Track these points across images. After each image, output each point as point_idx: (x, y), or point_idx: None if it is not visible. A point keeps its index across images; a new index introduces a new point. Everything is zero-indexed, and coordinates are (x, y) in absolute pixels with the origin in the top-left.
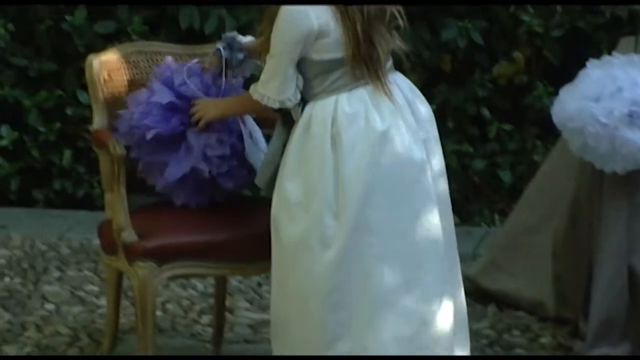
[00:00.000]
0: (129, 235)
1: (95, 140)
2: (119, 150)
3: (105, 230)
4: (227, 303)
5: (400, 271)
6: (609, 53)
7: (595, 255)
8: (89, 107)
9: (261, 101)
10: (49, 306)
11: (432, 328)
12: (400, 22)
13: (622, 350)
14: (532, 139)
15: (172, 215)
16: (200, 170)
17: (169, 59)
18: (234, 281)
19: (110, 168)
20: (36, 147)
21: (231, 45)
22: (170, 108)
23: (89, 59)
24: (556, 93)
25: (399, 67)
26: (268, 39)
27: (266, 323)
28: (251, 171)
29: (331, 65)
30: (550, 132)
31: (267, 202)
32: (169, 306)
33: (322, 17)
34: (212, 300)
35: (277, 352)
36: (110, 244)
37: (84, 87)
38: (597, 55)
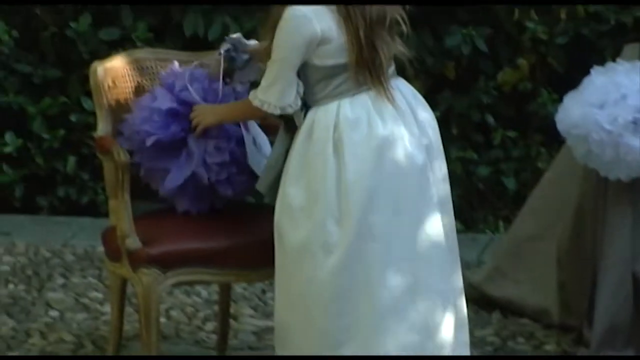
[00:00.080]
0: (133, 242)
1: (100, 147)
2: (123, 157)
3: (109, 237)
4: (232, 310)
5: (402, 277)
6: (613, 60)
7: (600, 263)
8: (93, 113)
9: (261, 107)
10: (53, 313)
11: (436, 335)
12: (404, 27)
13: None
14: (537, 146)
15: (176, 222)
16: (200, 177)
17: (176, 64)
18: (238, 288)
19: (115, 175)
20: (40, 154)
21: (235, 47)
22: (171, 114)
23: (94, 66)
24: (560, 100)
25: (402, 73)
26: (271, 44)
27: (270, 330)
28: (251, 178)
29: (334, 71)
30: (554, 139)
31: (271, 209)
32: (173, 313)
33: (325, 22)
34: (216, 307)
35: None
36: (114, 251)
37: (89, 94)
38: (602, 62)
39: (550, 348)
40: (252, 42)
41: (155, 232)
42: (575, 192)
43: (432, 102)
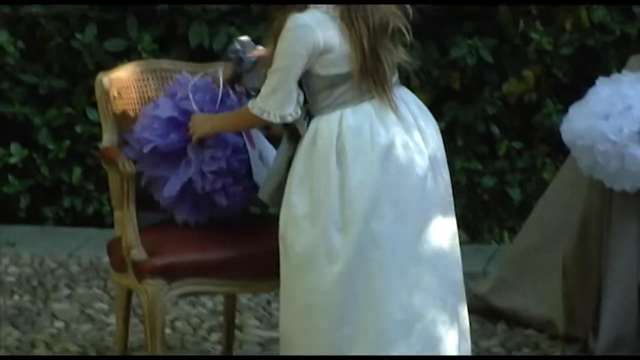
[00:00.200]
0: (139, 253)
1: (105, 157)
2: (128, 167)
3: (114, 248)
4: (237, 321)
5: (405, 284)
6: (619, 71)
7: (605, 274)
8: (98, 124)
9: (260, 116)
10: (58, 324)
11: (439, 345)
12: (407, 37)
13: None
14: (542, 156)
15: (181, 233)
16: (195, 185)
17: (184, 74)
18: (243, 299)
19: (120, 185)
20: (46, 165)
21: (244, 49)
22: (172, 122)
23: (99, 77)
24: (566, 111)
25: (408, 84)
26: (273, 52)
27: (276, 341)
28: (248, 190)
29: (337, 80)
30: (559, 150)
31: (276, 220)
32: (178, 324)
33: (327, 32)
34: (221, 318)
35: None
36: (119, 262)
37: (94, 105)
38: (607, 73)
39: None
40: (260, 47)
41: (161, 243)
42: (581, 203)
43: (438, 113)
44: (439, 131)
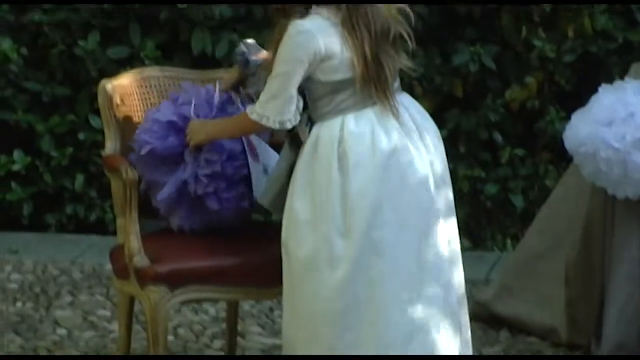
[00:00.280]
0: (142, 260)
1: (108, 165)
2: (131, 175)
3: (117, 255)
4: (240, 328)
5: (407, 291)
6: (622, 78)
7: (608, 281)
8: (101, 132)
9: (259, 121)
10: (61, 331)
11: (442, 352)
12: (410, 43)
13: None
14: (545, 164)
15: (184, 240)
16: (189, 189)
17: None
18: (246, 306)
19: (123, 193)
20: (49, 172)
21: (250, 51)
22: (172, 126)
23: (102, 84)
24: (568, 118)
25: (411, 92)
26: (274, 58)
27: (278, 348)
28: (240, 198)
29: (338, 86)
30: (562, 157)
31: (279, 227)
32: (181, 331)
33: (329, 39)
34: (224, 325)
35: None
36: (122, 269)
37: (97, 112)
38: (610, 80)
39: None
40: (264, 52)
41: (164, 250)
42: (584, 210)
43: (440, 120)
44: (440, 137)
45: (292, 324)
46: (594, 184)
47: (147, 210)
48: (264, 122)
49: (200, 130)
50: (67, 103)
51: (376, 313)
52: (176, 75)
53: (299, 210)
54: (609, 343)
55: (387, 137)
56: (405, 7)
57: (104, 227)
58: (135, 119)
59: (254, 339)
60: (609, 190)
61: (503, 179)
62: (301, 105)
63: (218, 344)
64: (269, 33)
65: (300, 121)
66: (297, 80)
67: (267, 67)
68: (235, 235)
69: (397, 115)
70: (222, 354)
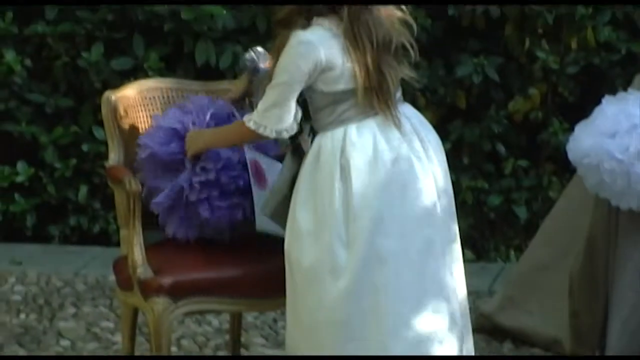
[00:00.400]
0: (145, 271)
1: (111, 176)
2: (134, 186)
3: (121, 266)
4: (243, 339)
5: (409, 301)
6: (624, 89)
7: (612, 292)
8: (104, 143)
9: (256, 130)
10: (64, 342)
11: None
12: (412, 53)
13: None
14: (548, 175)
15: (188, 251)
16: (184, 195)
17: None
18: (249, 317)
19: (126, 204)
20: (52, 183)
21: (259, 58)
22: (174, 133)
23: (106, 95)
24: (571, 129)
25: (414, 103)
26: (274, 68)
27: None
28: (232, 209)
29: (340, 97)
30: (565, 169)
31: (282, 238)
32: (184, 342)
33: (330, 49)
34: (227, 337)
35: None
36: (125, 280)
37: (100, 123)
38: (613, 91)
39: None
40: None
41: (167, 262)
42: (587, 222)
43: (444, 131)
44: (442, 148)
45: (294, 334)
46: (597, 195)
47: (150, 221)
48: (261, 130)
49: (197, 138)
50: (70, 114)
51: (380, 323)
52: (179, 86)
53: (301, 220)
54: (613, 354)
55: (389, 147)
56: (408, 18)
57: (107, 238)
58: (139, 130)
59: (257, 350)
60: (613, 201)
61: (506, 190)
62: (299, 115)
63: (221, 355)
64: (272, 44)
65: (303, 131)
66: (296, 90)
67: (268, 76)
68: (238, 246)
69: (398, 125)
70: None
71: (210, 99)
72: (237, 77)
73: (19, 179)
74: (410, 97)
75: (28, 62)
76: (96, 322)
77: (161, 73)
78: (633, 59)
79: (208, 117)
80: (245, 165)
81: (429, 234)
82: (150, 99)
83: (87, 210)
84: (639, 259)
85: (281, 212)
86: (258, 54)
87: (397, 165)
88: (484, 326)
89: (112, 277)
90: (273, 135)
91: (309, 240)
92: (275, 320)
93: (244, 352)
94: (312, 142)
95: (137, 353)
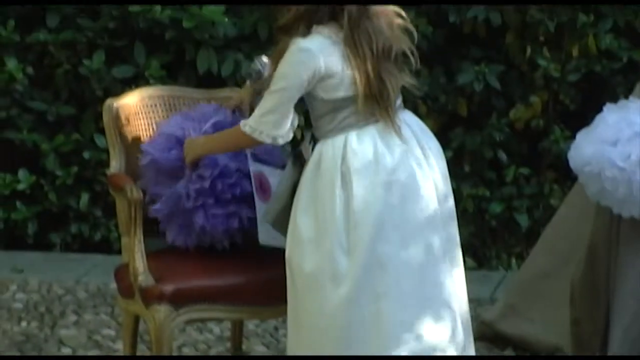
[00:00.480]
0: (146, 279)
1: (112, 184)
2: (136, 194)
3: (122, 274)
4: (244, 347)
5: (411, 308)
6: (626, 97)
7: (613, 300)
8: (106, 151)
9: (251, 134)
10: (66, 350)
11: None
12: (412, 60)
13: None
14: (549, 183)
15: (189, 259)
16: (181, 203)
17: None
18: (250, 325)
19: (128, 212)
20: (53, 191)
21: (264, 68)
22: (175, 140)
23: (107, 103)
24: (573, 137)
25: (415, 111)
26: (273, 74)
27: None
28: (227, 218)
29: (340, 104)
30: (567, 176)
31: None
32: (186, 350)
33: (329, 57)
34: (228, 344)
35: None
36: (127, 288)
37: (101, 131)
38: (614, 99)
39: None
40: None
41: (168, 269)
42: (588, 230)
43: (445, 139)
44: (443, 154)
45: (296, 340)
46: (599, 203)
47: (151, 229)
48: (256, 135)
49: (194, 145)
50: (71, 122)
51: (380, 330)
52: (181, 94)
53: (302, 227)
54: None
55: (390, 153)
56: (408, 25)
57: (109, 246)
58: (140, 138)
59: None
60: (614, 209)
61: (508, 197)
62: (296, 122)
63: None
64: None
65: (304, 139)
66: (293, 96)
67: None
68: (240, 253)
69: (399, 132)
70: None
71: (215, 107)
72: (238, 84)
73: (21, 186)
74: (412, 105)
75: (30, 70)
76: (97, 330)
77: (162, 81)
78: (634, 67)
79: (209, 124)
80: (243, 173)
81: (429, 241)
82: (151, 106)
83: (89, 218)
84: None
85: (282, 220)
86: (263, 64)
87: (398, 172)
88: (486, 334)
89: (113, 285)
90: (268, 140)
91: (310, 247)
92: (276, 328)
93: None
94: (313, 149)
95: None
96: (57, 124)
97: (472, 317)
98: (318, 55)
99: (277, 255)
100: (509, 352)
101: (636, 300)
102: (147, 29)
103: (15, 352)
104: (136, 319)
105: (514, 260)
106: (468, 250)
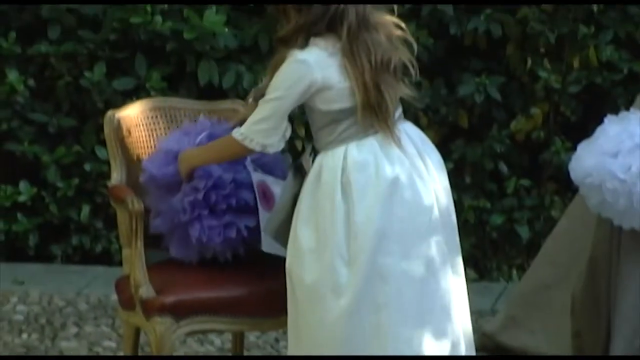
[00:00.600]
0: (147, 291)
1: (113, 195)
2: (137, 205)
3: (123, 286)
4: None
5: (412, 320)
6: (627, 109)
7: (614, 312)
8: (107, 162)
9: (242, 141)
10: None
11: None
12: (412, 71)
13: None
14: (550, 194)
15: (190, 271)
16: (178, 217)
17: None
18: (251, 337)
19: (129, 224)
20: (54, 203)
21: None
22: (172, 155)
23: (108, 115)
24: (574, 149)
25: (416, 123)
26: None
27: None
28: (224, 228)
29: (339, 115)
30: (568, 188)
31: (284, 258)
32: None
33: (327, 70)
34: (229, 356)
35: None
36: (128, 300)
37: (103, 143)
38: (615, 111)
39: None
40: None
41: (169, 281)
42: (589, 241)
43: (446, 151)
44: (443, 165)
45: (297, 351)
46: (600, 214)
47: (152, 240)
48: (247, 142)
49: (187, 157)
50: (72, 134)
51: (381, 342)
52: (182, 106)
53: (302, 238)
54: None
55: (390, 164)
56: (408, 36)
57: (110, 258)
58: (141, 150)
59: None
60: (615, 221)
61: (508, 209)
62: (288, 133)
63: None
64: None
65: (305, 151)
66: (287, 107)
67: (262, 92)
68: (241, 265)
69: (398, 144)
70: None
71: (215, 122)
72: (239, 95)
73: (22, 198)
74: (413, 117)
75: (31, 81)
76: (98, 342)
77: (163, 93)
78: (635, 79)
79: (204, 135)
80: (238, 184)
81: (430, 252)
82: (152, 118)
83: (90, 229)
84: None
85: (283, 231)
86: None
87: (399, 183)
88: (487, 346)
89: (114, 297)
90: (258, 149)
91: (311, 258)
92: (277, 340)
93: None
94: (313, 161)
95: None
96: (58, 135)
97: (473, 328)
98: (314, 68)
99: (278, 267)
100: None
101: (637, 312)
102: (147, 40)
103: None
104: (137, 331)
105: (514, 272)
106: (469, 261)
